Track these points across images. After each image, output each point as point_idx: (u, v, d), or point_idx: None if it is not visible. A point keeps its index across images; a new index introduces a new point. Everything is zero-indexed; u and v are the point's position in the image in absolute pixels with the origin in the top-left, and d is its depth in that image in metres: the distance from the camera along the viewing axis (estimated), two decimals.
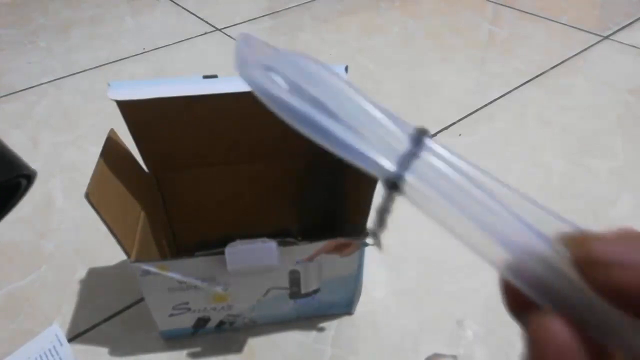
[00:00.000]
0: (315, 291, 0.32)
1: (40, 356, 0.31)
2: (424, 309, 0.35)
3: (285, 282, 0.30)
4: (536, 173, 0.47)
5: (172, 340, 0.33)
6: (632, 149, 0.49)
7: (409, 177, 0.10)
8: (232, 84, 0.28)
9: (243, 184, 0.36)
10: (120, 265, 0.38)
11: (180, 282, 0.28)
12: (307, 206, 0.38)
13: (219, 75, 0.29)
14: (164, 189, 0.35)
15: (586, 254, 0.08)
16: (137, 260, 0.27)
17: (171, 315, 0.31)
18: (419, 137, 0.10)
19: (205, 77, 0.29)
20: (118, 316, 0.35)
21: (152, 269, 0.27)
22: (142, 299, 0.36)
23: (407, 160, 0.10)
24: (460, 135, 0.52)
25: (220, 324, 0.32)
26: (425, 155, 0.10)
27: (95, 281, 0.37)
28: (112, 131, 0.30)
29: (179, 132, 0.31)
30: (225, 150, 0.33)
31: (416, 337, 0.33)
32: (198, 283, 0.28)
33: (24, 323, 0.34)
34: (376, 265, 0.38)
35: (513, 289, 0.09)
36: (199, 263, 0.28)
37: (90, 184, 0.25)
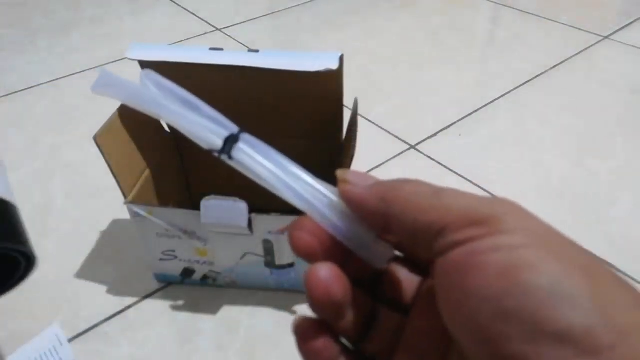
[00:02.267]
0: (291, 265, 0.33)
1: (41, 356, 0.31)
2: None
3: (260, 249, 0.32)
4: (536, 173, 0.47)
5: (172, 336, 0.33)
6: (632, 149, 0.49)
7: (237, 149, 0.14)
8: (244, 57, 0.30)
9: None
10: (120, 266, 0.38)
11: (166, 230, 0.31)
12: None
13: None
14: (183, 150, 0.39)
15: (339, 179, 0.13)
16: (131, 202, 0.31)
17: (161, 259, 0.34)
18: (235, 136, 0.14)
19: (212, 49, 0.30)
20: (118, 316, 0.35)
21: (141, 212, 0.31)
22: (142, 299, 0.36)
23: (231, 140, 0.14)
24: (460, 135, 0.52)
25: (204, 277, 0.35)
26: (239, 146, 0.14)
27: (95, 281, 0.37)
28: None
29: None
30: (238, 119, 0.35)
31: None
32: (180, 234, 0.32)
33: (24, 323, 0.34)
34: None
35: (299, 235, 0.12)
36: (180, 214, 0.31)
37: (100, 130, 0.29)
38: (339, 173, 0.12)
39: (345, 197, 0.12)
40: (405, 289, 0.13)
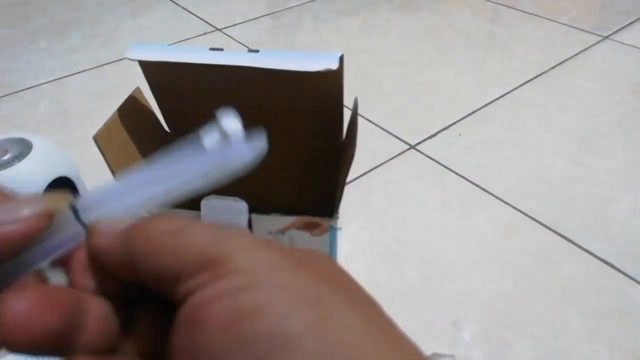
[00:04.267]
0: None
1: None
2: (424, 309, 0.35)
3: None
4: (536, 173, 0.47)
5: None
6: (632, 148, 0.49)
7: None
8: (244, 57, 0.30)
9: (262, 158, 0.37)
10: None
11: None
12: (317, 189, 0.39)
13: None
14: None
15: (89, 232, 0.11)
16: None
17: None
18: None
19: (212, 49, 0.30)
20: None
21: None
22: None
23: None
24: (460, 135, 0.52)
25: None
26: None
27: None
28: (136, 90, 0.32)
29: (194, 96, 0.33)
30: (241, 120, 0.35)
31: (415, 337, 0.33)
32: None
33: None
34: (375, 265, 0.38)
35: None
36: (180, 214, 0.30)
37: (100, 129, 0.29)
38: (90, 227, 0.11)
39: (92, 252, 0.11)
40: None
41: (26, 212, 0.10)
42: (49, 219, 0.11)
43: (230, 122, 0.12)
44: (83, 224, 0.11)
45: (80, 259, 0.11)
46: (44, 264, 0.11)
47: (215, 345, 0.09)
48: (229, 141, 0.12)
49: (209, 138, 0.12)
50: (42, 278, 0.11)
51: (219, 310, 0.09)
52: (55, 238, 0.11)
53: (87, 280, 0.11)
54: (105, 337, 0.11)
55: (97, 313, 0.11)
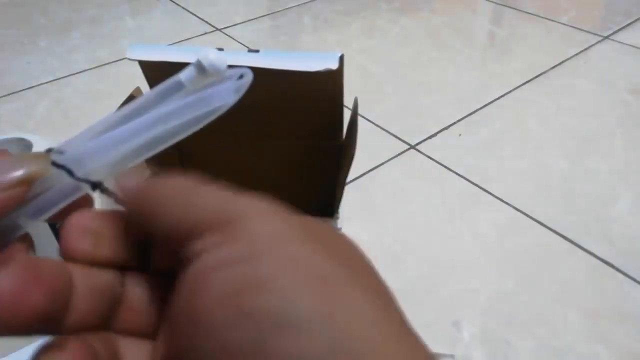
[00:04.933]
0: None
1: None
2: (424, 309, 0.35)
3: None
4: (536, 173, 0.47)
5: None
6: (632, 149, 0.49)
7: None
8: (244, 57, 0.30)
9: (262, 158, 0.37)
10: None
11: None
12: (317, 189, 0.39)
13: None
14: (182, 150, 0.37)
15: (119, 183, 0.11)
16: None
17: None
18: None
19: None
20: None
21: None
22: None
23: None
24: (460, 135, 0.52)
25: None
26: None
27: None
28: (136, 90, 0.31)
29: None
30: (238, 119, 0.35)
31: None
32: None
33: None
34: (375, 265, 0.38)
35: None
36: None
37: None
38: (121, 178, 0.11)
39: (120, 202, 0.11)
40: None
41: (6, 179, 0.10)
42: (30, 185, 0.10)
43: (210, 55, 0.11)
44: (79, 179, 0.11)
45: (74, 222, 0.11)
46: (35, 224, 0.11)
47: (214, 315, 0.08)
48: (206, 75, 0.11)
49: (187, 73, 0.11)
50: (29, 244, 0.11)
51: (222, 278, 0.08)
52: (44, 197, 0.11)
53: (81, 247, 0.10)
54: (96, 312, 0.10)
55: (87, 287, 0.10)
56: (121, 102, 0.31)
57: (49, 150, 0.11)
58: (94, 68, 0.64)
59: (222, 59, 0.11)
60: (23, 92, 0.60)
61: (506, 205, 0.43)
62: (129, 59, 0.30)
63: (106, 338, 0.10)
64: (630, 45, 0.67)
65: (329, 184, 0.37)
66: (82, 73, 0.63)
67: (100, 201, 0.12)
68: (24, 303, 0.09)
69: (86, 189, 0.11)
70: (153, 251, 0.11)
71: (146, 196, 0.10)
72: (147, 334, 0.11)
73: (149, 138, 0.11)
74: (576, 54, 0.65)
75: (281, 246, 0.09)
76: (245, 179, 0.39)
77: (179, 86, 0.11)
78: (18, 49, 0.69)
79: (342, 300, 0.08)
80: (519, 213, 0.42)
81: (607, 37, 0.68)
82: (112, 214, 0.11)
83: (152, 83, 0.32)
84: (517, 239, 0.40)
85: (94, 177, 0.11)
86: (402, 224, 0.42)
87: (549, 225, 0.41)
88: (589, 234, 0.40)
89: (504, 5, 0.78)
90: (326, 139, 0.36)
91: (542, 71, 0.61)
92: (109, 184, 0.11)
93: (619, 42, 0.67)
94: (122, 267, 0.11)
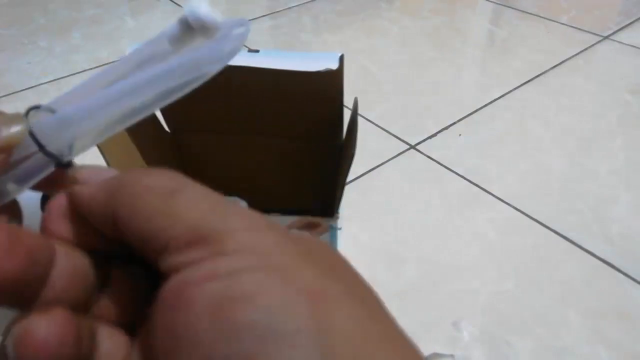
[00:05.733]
0: None
1: None
2: (424, 309, 0.35)
3: None
4: (536, 172, 0.47)
5: None
6: (632, 149, 0.49)
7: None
8: (244, 57, 0.30)
9: (262, 158, 0.37)
10: None
11: None
12: (317, 189, 0.39)
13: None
14: (182, 150, 0.37)
15: (70, 178, 0.11)
16: None
17: None
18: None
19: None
20: None
21: None
22: None
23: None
24: (460, 135, 0.52)
25: None
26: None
27: None
28: None
29: (194, 96, 0.33)
30: (238, 119, 0.35)
31: (415, 337, 0.33)
32: None
33: None
34: (375, 265, 0.38)
35: None
36: None
37: None
38: (70, 171, 0.10)
39: (73, 200, 0.10)
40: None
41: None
42: (7, 153, 0.09)
43: (200, 9, 0.10)
44: (51, 155, 0.10)
45: (57, 205, 0.10)
46: (20, 190, 0.10)
47: (199, 330, 0.08)
48: (193, 33, 0.10)
49: (171, 30, 0.10)
50: (14, 213, 0.10)
51: (207, 292, 0.08)
52: (28, 163, 0.10)
53: (62, 229, 0.10)
54: (75, 292, 0.10)
55: (67, 265, 0.10)
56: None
57: (30, 110, 0.10)
58: (94, 68, 0.64)
59: (211, 14, 0.10)
60: (23, 92, 0.60)
61: (506, 205, 0.43)
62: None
63: (84, 320, 0.10)
64: (630, 45, 0.67)
65: (329, 183, 0.37)
66: (82, 73, 0.63)
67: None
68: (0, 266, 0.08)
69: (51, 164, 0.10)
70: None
71: (113, 197, 0.09)
72: (127, 323, 0.10)
73: (132, 104, 0.10)
74: (576, 54, 0.65)
75: (271, 259, 0.08)
76: (245, 178, 0.39)
77: (163, 45, 0.10)
78: (18, 49, 0.69)
79: (332, 314, 0.08)
80: (518, 213, 0.42)
81: (607, 37, 0.68)
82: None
83: None
84: (517, 239, 0.40)
85: (76, 146, 0.10)
86: (402, 224, 0.42)
87: (548, 225, 0.41)
88: (589, 233, 0.40)
89: (503, 5, 0.78)
90: (326, 139, 0.36)
91: (542, 71, 0.61)
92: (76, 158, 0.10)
93: (619, 42, 0.67)
94: (107, 253, 0.11)
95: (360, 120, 0.44)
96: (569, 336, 0.33)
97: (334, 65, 0.29)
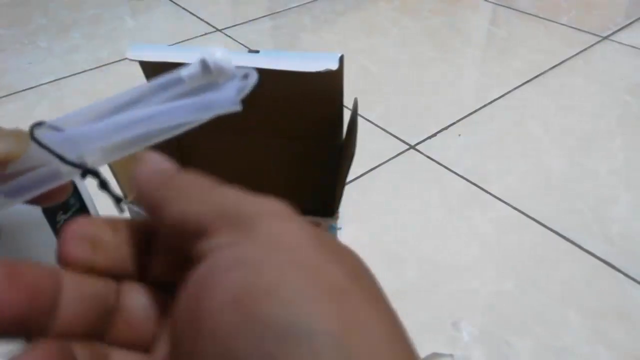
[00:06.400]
0: None
1: None
2: (423, 308, 0.35)
3: None
4: (536, 173, 0.47)
5: None
6: (632, 149, 0.49)
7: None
8: (244, 58, 0.30)
9: (262, 158, 0.37)
10: None
11: None
12: (317, 189, 0.39)
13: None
14: (182, 149, 0.37)
15: (138, 158, 0.11)
16: (131, 202, 0.31)
17: None
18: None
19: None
20: None
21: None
22: None
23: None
24: (459, 135, 0.52)
25: None
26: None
27: None
28: None
29: None
30: (238, 119, 0.35)
31: (415, 337, 0.33)
32: None
33: None
34: (375, 265, 0.38)
35: None
36: None
37: None
38: (139, 154, 0.11)
39: (136, 177, 0.11)
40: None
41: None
42: (4, 166, 0.10)
43: (216, 54, 0.11)
44: (71, 163, 0.10)
45: (73, 229, 0.10)
46: (11, 204, 0.10)
47: (220, 320, 0.08)
48: (210, 74, 0.11)
49: (190, 70, 0.11)
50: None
51: (232, 281, 0.08)
52: (25, 177, 0.10)
53: (77, 251, 0.10)
54: (88, 319, 0.10)
55: (76, 293, 0.10)
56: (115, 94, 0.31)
57: (35, 126, 0.11)
58: (94, 68, 0.64)
59: (228, 59, 0.11)
60: (23, 92, 0.60)
61: (506, 205, 0.43)
62: (129, 59, 0.30)
63: (96, 347, 0.10)
64: (629, 46, 0.67)
65: (329, 183, 0.37)
66: (82, 73, 0.63)
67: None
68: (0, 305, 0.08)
69: (75, 174, 0.11)
70: (154, 260, 0.11)
71: (164, 185, 0.10)
72: (142, 346, 0.10)
73: (144, 131, 0.11)
74: (576, 55, 0.65)
75: (296, 252, 0.08)
76: (245, 178, 0.39)
77: (180, 82, 0.11)
78: (18, 49, 0.69)
79: (356, 316, 0.08)
80: (518, 213, 0.42)
81: (606, 38, 0.68)
82: (113, 222, 0.11)
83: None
84: (516, 239, 0.40)
85: (86, 162, 0.11)
86: (401, 224, 0.42)
87: (548, 225, 0.41)
88: (588, 233, 0.40)
89: (503, 6, 0.78)
90: (326, 139, 0.36)
91: (542, 71, 0.61)
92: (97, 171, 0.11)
93: (619, 42, 0.67)
94: (119, 277, 0.11)
95: (360, 120, 0.44)
96: (569, 336, 0.33)
97: (334, 66, 0.29)
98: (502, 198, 0.44)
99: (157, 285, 0.11)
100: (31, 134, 0.10)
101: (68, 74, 0.63)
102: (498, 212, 0.43)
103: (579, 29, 0.71)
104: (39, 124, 0.11)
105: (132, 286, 0.11)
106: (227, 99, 0.11)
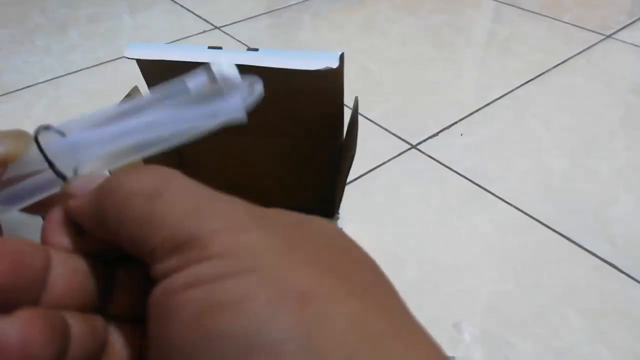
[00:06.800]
0: None
1: None
2: (424, 309, 0.35)
3: None
4: (537, 173, 0.46)
5: None
6: (634, 148, 0.49)
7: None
8: (243, 56, 0.29)
9: (262, 158, 0.37)
10: None
11: None
12: (317, 189, 0.39)
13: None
14: (181, 150, 0.37)
15: (65, 193, 0.11)
16: None
17: None
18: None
19: (210, 47, 0.30)
20: None
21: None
22: None
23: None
24: (461, 134, 0.51)
25: None
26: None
27: None
28: (134, 89, 0.31)
29: None
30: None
31: None
32: None
33: None
34: None
35: None
36: None
37: None
38: (64, 186, 0.11)
39: (66, 212, 0.10)
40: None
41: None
42: (4, 165, 0.10)
43: (223, 67, 0.11)
44: (59, 173, 0.10)
45: (54, 217, 0.10)
46: (7, 211, 0.10)
47: (184, 339, 0.08)
48: (217, 83, 0.11)
49: (196, 80, 0.11)
50: None
51: (190, 300, 0.08)
52: (23, 184, 0.10)
53: (60, 239, 0.10)
54: (79, 294, 0.10)
55: (65, 269, 0.10)
56: (119, 101, 0.30)
57: (41, 129, 0.11)
58: (92, 67, 0.63)
59: (233, 69, 0.11)
60: (20, 91, 0.60)
61: (507, 205, 0.43)
62: (127, 58, 0.30)
63: (90, 318, 0.10)
64: (632, 45, 0.66)
65: (329, 184, 0.37)
66: (79, 72, 0.63)
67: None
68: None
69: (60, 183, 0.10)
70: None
71: (102, 204, 0.09)
72: (139, 318, 0.10)
73: (147, 138, 0.11)
74: (578, 53, 0.64)
75: (257, 261, 0.08)
76: (244, 178, 0.39)
77: (185, 91, 0.11)
78: (15, 48, 0.69)
79: (323, 315, 0.07)
80: (520, 213, 0.42)
81: (609, 36, 0.68)
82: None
83: (150, 82, 0.32)
84: (518, 239, 0.40)
85: (81, 170, 0.10)
86: (402, 224, 0.41)
87: (550, 225, 0.41)
88: (590, 234, 0.40)
89: (505, 4, 0.78)
90: (326, 139, 0.35)
91: (544, 70, 0.61)
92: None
93: (621, 41, 0.67)
94: (111, 256, 0.11)
95: (360, 119, 0.44)
96: (570, 337, 0.33)
97: (334, 64, 0.28)
98: (504, 198, 0.44)
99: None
100: (35, 137, 0.10)
101: (65, 73, 0.63)
102: (499, 212, 0.42)
103: (581, 27, 0.70)
104: (46, 128, 0.11)
105: (121, 269, 0.11)
106: (232, 108, 0.11)
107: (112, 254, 0.11)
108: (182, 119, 0.11)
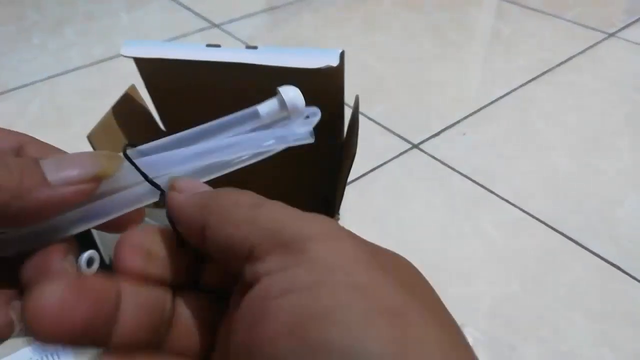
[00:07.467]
0: None
1: (42, 358, 0.31)
2: None
3: None
4: (542, 172, 0.46)
5: None
6: (639, 147, 0.48)
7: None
8: (241, 54, 0.29)
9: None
10: None
11: None
12: (317, 189, 0.38)
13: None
14: None
15: (169, 185, 0.11)
16: None
17: None
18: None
19: (208, 45, 0.29)
20: None
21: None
22: None
23: None
24: (464, 134, 0.51)
25: None
26: None
27: None
28: (131, 87, 0.31)
29: (190, 94, 0.33)
30: None
31: None
32: None
33: None
34: None
35: None
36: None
37: (94, 128, 0.28)
38: (170, 180, 0.11)
39: (168, 204, 0.11)
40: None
41: (75, 173, 0.10)
42: (98, 183, 0.10)
43: (291, 93, 0.12)
44: (154, 184, 0.11)
45: (127, 240, 0.11)
46: (86, 227, 0.11)
47: (276, 347, 0.08)
48: (287, 112, 0.12)
49: (268, 107, 0.12)
50: (70, 247, 0.11)
51: (285, 308, 0.08)
52: (103, 201, 0.11)
53: (131, 263, 0.10)
54: (148, 326, 0.10)
55: (136, 302, 0.10)
56: (117, 99, 0.30)
57: (127, 146, 0.11)
58: (88, 65, 0.63)
59: (301, 97, 0.12)
60: (16, 90, 0.59)
61: (511, 206, 0.42)
62: (124, 56, 0.29)
63: (155, 356, 0.10)
64: (636, 43, 0.65)
65: (330, 184, 0.36)
66: (76, 70, 0.62)
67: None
68: (68, 317, 0.09)
69: (153, 196, 0.11)
70: (204, 270, 0.11)
71: (204, 209, 0.10)
72: (197, 354, 0.11)
73: (222, 160, 0.12)
74: (582, 52, 0.64)
75: (349, 273, 0.08)
76: (244, 178, 0.38)
77: (256, 117, 0.12)
78: (11, 46, 0.68)
79: (416, 338, 0.08)
80: (524, 214, 0.42)
81: (612, 35, 0.67)
82: (166, 232, 0.11)
83: (147, 80, 0.31)
84: (522, 241, 0.39)
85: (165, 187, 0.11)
86: (404, 225, 0.41)
87: (554, 226, 0.40)
88: (595, 235, 0.40)
89: (508, 2, 0.77)
90: (326, 138, 0.35)
91: (548, 68, 0.60)
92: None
93: (625, 39, 0.66)
94: (173, 286, 0.11)
95: (361, 118, 0.43)
96: (575, 339, 0.32)
97: (335, 62, 0.28)
98: (508, 199, 0.43)
99: (209, 291, 0.11)
100: (124, 152, 0.11)
101: (62, 71, 0.62)
102: (503, 213, 0.42)
103: (584, 26, 0.69)
104: (131, 145, 0.12)
105: (185, 295, 0.11)
106: (301, 134, 0.12)
107: (176, 281, 0.11)
108: (256, 142, 0.12)
